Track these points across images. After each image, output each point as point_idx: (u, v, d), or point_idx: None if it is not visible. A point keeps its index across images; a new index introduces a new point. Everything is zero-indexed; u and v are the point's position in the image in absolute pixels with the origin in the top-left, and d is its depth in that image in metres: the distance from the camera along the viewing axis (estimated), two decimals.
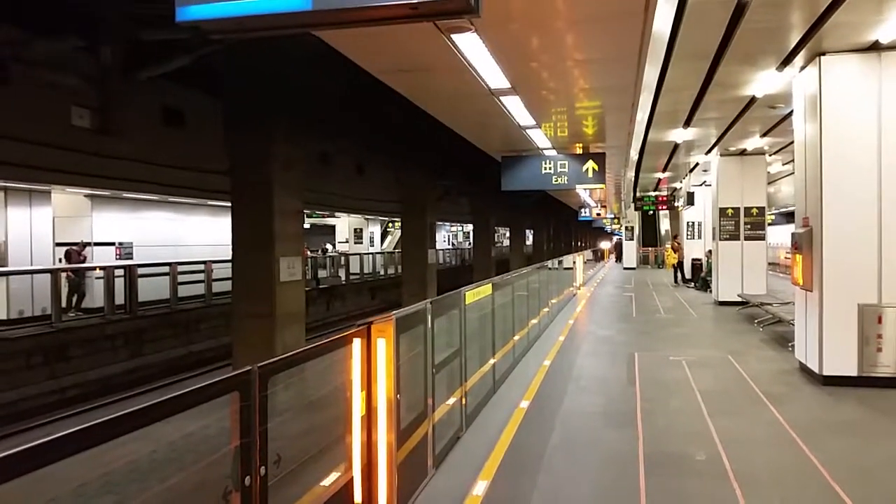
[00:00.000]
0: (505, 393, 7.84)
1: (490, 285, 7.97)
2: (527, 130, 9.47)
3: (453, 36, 5.00)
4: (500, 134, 10.00)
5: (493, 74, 6.45)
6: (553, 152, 10.79)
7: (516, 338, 9.84)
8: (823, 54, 7.67)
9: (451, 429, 5.95)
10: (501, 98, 7.50)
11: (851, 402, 7.13)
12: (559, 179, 10.37)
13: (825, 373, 7.75)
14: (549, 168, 10.42)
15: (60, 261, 15.84)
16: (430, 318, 5.29)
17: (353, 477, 4.22)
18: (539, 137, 10.05)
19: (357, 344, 4.27)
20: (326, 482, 4.17)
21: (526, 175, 10.63)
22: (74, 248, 15.91)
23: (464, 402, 6.35)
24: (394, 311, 4.60)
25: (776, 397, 7.32)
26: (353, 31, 4.52)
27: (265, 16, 2.43)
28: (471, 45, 5.33)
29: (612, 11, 4.85)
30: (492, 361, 7.88)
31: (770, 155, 16.19)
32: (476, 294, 7.18)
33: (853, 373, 7.61)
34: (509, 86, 6.89)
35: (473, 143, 12.02)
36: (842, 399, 7.25)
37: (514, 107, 8.02)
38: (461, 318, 6.38)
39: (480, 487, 4.94)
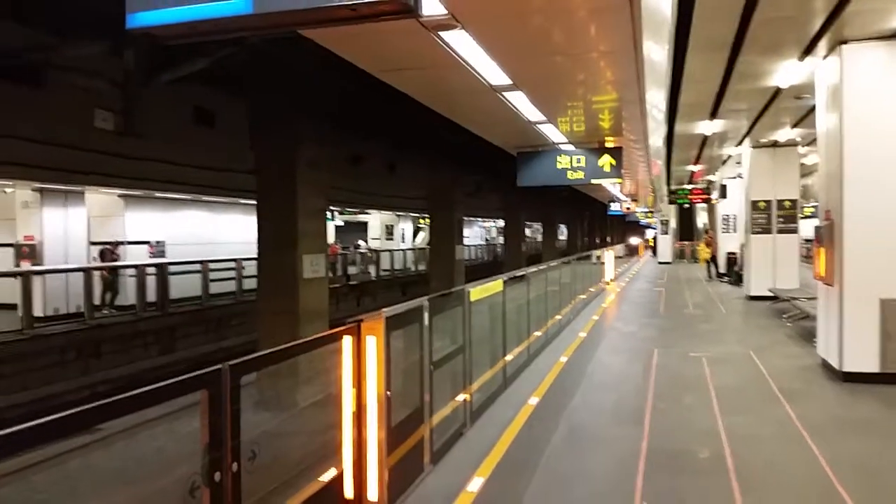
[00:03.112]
0: (516, 389, 7.81)
1: (500, 282, 7.94)
2: (538, 126, 9.37)
3: (441, 34, 4.97)
4: (511, 129, 9.93)
5: (490, 71, 6.38)
6: (569, 147, 10.66)
7: (536, 333, 9.78)
8: (845, 42, 7.44)
9: (452, 425, 5.95)
10: (505, 94, 7.43)
11: (870, 399, 6.92)
12: (575, 175, 10.26)
13: (845, 369, 7.54)
14: (565, 163, 10.33)
15: (95, 259, 16.30)
16: (426, 315, 5.31)
17: (343, 471, 4.28)
18: (552, 132, 9.95)
19: (347, 341, 4.32)
20: (316, 476, 4.23)
21: (541, 170, 10.54)
22: (108, 247, 16.38)
23: (468, 399, 6.35)
24: (384, 309, 4.62)
25: (792, 395, 7.14)
26: (342, 31, 4.53)
27: (212, 20, 2.48)
28: (462, 42, 5.28)
29: (595, 6, 4.78)
30: (503, 358, 7.85)
31: (803, 146, 15.76)
32: (484, 291, 7.15)
33: (875, 369, 7.38)
34: (510, 82, 6.81)
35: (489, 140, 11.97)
36: (860, 397, 7.04)
37: (520, 102, 7.94)
38: (465, 316, 6.37)
39: (476, 484, 4.94)
